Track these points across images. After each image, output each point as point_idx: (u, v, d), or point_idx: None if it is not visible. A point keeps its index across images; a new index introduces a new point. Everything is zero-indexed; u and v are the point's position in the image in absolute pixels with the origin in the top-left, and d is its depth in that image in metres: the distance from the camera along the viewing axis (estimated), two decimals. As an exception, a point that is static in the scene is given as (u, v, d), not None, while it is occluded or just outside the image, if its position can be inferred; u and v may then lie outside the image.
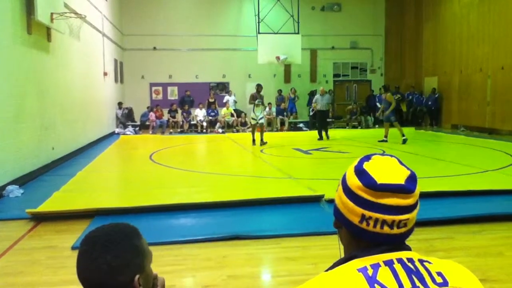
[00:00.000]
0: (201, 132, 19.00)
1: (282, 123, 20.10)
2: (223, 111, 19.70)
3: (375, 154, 1.15)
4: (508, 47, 15.70)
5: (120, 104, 19.05)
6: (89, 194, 6.96)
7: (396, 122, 13.51)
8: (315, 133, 15.43)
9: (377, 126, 20.17)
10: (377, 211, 1.05)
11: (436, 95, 19.73)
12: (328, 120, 16.05)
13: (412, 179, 1.08)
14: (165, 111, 19.59)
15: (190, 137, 17.15)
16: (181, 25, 21.17)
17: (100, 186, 7.99)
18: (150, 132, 18.53)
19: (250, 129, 19.04)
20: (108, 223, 1.24)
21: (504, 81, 16.00)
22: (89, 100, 13.75)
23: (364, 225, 1.07)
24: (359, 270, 1.03)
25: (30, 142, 8.58)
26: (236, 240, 4.88)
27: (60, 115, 10.49)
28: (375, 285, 1.00)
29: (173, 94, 21.57)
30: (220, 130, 19.05)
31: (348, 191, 1.10)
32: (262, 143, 13.40)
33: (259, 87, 13.69)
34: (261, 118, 13.63)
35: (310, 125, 19.36)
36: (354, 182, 1.09)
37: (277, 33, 19.16)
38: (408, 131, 16.71)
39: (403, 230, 1.07)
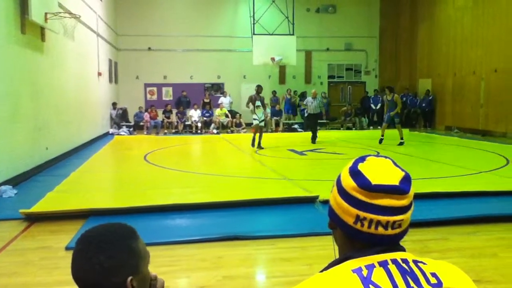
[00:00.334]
0: (196, 132, 18.98)
1: (277, 124, 20.12)
2: (217, 111, 19.69)
3: (369, 155, 1.15)
4: (502, 50, 15.80)
5: (114, 104, 18.99)
6: (83, 194, 6.93)
7: (399, 125, 13.41)
8: (309, 134, 15.41)
9: (371, 127, 20.24)
10: (371, 212, 1.06)
11: (430, 97, 19.81)
12: (318, 122, 15.64)
13: (406, 180, 1.09)
14: (160, 111, 19.57)
15: (184, 138, 17.13)
16: (176, 25, 21.15)
17: (94, 186, 7.97)
18: (145, 132, 18.48)
19: (245, 130, 19.20)
20: (106, 223, 1.23)
21: (497, 83, 16.10)
22: (84, 100, 13.71)
23: (358, 225, 1.07)
24: (353, 271, 1.03)
25: (24, 142, 8.53)
26: (231, 241, 4.88)
27: (54, 115, 10.45)
28: (370, 285, 1.00)
29: (168, 94, 21.54)
30: (214, 131, 19.04)
31: (342, 192, 1.10)
32: (259, 147, 12.83)
33: (259, 88, 13.09)
34: (262, 121, 13.16)
35: (305, 127, 19.38)
36: (348, 183, 1.09)
37: (272, 35, 19.18)
38: (403, 132, 16.78)
39: (397, 231, 1.08)
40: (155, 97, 21.50)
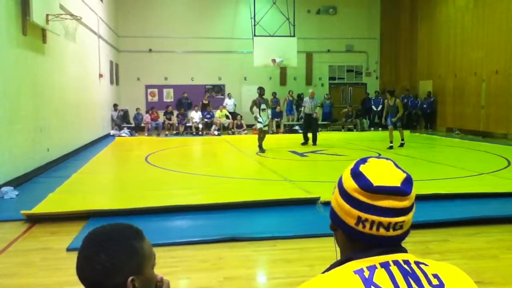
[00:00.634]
0: (197, 134, 18.99)
1: (278, 126, 20.12)
2: (217, 113, 19.70)
3: (371, 157, 1.16)
4: (502, 51, 15.79)
5: (115, 106, 19.01)
6: (84, 195, 6.94)
7: (400, 128, 13.23)
8: (309, 136, 15.34)
9: (372, 129, 20.23)
10: (373, 213, 1.06)
11: (431, 99, 19.81)
12: (318, 123, 15.18)
13: (408, 181, 1.09)
14: (161, 113, 19.58)
15: (185, 139, 17.13)
16: (177, 27, 21.17)
17: (96, 187, 7.97)
18: (146, 134, 18.50)
19: (245, 131, 19.21)
20: (112, 223, 1.23)
21: (498, 85, 16.10)
22: (85, 101, 13.72)
23: (360, 227, 1.08)
24: (355, 272, 1.03)
25: (25, 144, 8.54)
26: (232, 242, 4.88)
27: (55, 117, 10.46)
28: (372, 287, 1.00)
29: (168, 96, 21.56)
30: (215, 132, 19.04)
31: (344, 194, 1.11)
32: (262, 150, 12.56)
33: (262, 90, 12.66)
34: (266, 125, 12.81)
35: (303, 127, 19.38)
36: (350, 184, 1.10)
37: (273, 36, 19.19)
38: (404, 134, 16.76)
39: (399, 232, 1.08)
40: (156, 98, 21.51)
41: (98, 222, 4.38)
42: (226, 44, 21.53)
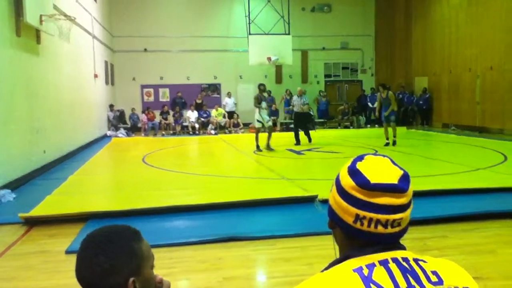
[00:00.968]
0: (193, 133, 18.97)
1: (274, 124, 20.09)
2: (214, 112, 19.69)
3: (368, 154, 1.16)
4: (496, 48, 15.86)
5: (111, 106, 18.96)
6: (82, 197, 6.92)
7: (393, 124, 12.76)
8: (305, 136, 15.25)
9: (368, 126, 20.26)
10: (371, 211, 1.06)
11: (427, 95, 19.86)
12: (309, 121, 14.84)
13: (405, 178, 1.09)
14: (157, 113, 19.56)
15: (182, 139, 17.11)
16: (172, 26, 21.13)
17: (93, 189, 7.96)
18: (142, 134, 18.46)
19: (242, 130, 19.19)
20: (110, 224, 1.23)
21: (493, 80, 16.16)
22: (80, 102, 13.68)
23: (358, 225, 1.08)
24: (354, 270, 1.03)
25: (21, 146, 8.51)
26: (231, 242, 4.88)
27: (50, 118, 10.42)
28: (371, 284, 1.00)
29: (164, 95, 21.52)
30: (212, 132, 19.03)
31: (342, 191, 1.11)
32: (270, 148, 12.24)
33: (262, 86, 12.44)
34: (268, 121, 12.55)
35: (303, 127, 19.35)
36: (347, 182, 1.10)
37: (267, 34, 19.17)
38: (400, 130, 16.76)
39: (397, 229, 1.08)
40: (151, 98, 21.47)
41: (96, 224, 4.39)
42: (221, 43, 21.51)
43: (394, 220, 1.07)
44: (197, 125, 19.20)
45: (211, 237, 4.94)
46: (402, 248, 1.10)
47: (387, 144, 12.78)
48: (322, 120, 20.80)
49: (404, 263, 1.05)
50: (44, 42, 9.92)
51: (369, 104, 20.70)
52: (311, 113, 15.98)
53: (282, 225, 5.56)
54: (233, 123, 19.63)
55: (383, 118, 12.88)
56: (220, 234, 5.00)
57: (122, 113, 19.61)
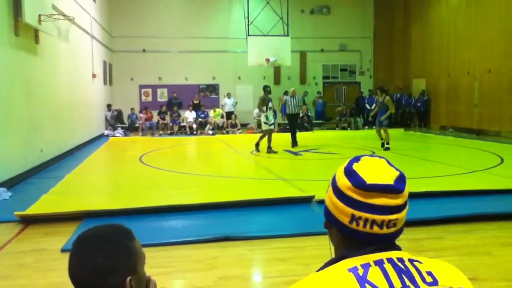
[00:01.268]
0: (191, 134, 18.96)
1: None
2: (212, 112, 19.69)
3: (364, 155, 1.16)
4: (495, 50, 15.88)
5: (109, 106, 18.95)
6: (78, 196, 6.91)
7: (385, 128, 12.30)
8: (303, 135, 15.35)
9: (366, 127, 20.28)
10: (366, 211, 1.06)
11: (425, 97, 19.90)
12: (297, 123, 14.65)
13: (401, 179, 1.09)
14: (155, 113, 19.54)
15: (180, 139, 17.10)
16: (171, 27, 21.11)
17: (90, 188, 7.94)
18: (140, 134, 18.45)
19: (240, 131, 19.19)
20: (102, 224, 1.22)
21: (490, 83, 16.19)
22: (78, 102, 13.66)
23: (354, 225, 1.08)
24: (349, 270, 1.03)
25: (18, 144, 8.49)
26: (226, 241, 4.88)
27: (48, 117, 10.40)
28: (366, 284, 1.00)
29: (162, 96, 21.50)
30: (210, 132, 19.03)
31: (338, 192, 1.11)
32: (272, 151, 12.03)
33: (268, 88, 12.30)
34: (272, 124, 12.51)
35: (299, 127, 19.35)
36: (343, 182, 1.10)
37: (266, 36, 19.19)
38: (397, 132, 16.84)
39: (392, 230, 1.08)
40: (150, 98, 21.45)
41: (92, 222, 4.36)
42: (220, 43, 21.51)
43: (389, 221, 1.07)
44: (194, 126, 19.19)
45: (207, 237, 4.94)
46: (398, 248, 1.10)
47: (382, 145, 12.39)
48: (319, 121, 20.80)
49: (399, 264, 1.05)
50: (42, 42, 9.91)
51: (367, 106, 20.71)
52: (301, 114, 15.79)
53: (278, 225, 5.56)
54: (230, 123, 19.63)
55: (377, 122, 12.46)
56: (216, 234, 5.00)
57: (119, 112, 19.59)
